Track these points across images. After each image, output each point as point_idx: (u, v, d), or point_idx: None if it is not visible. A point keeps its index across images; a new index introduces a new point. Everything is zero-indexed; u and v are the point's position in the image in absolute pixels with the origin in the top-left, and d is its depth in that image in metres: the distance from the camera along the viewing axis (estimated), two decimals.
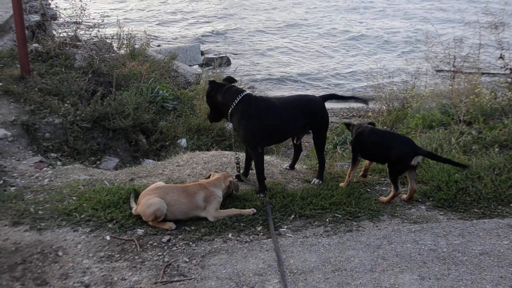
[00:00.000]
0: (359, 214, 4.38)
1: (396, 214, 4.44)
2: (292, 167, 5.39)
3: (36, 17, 9.21)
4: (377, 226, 4.19)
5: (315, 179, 5.05)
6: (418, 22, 23.44)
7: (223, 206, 4.35)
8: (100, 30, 8.72)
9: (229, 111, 4.56)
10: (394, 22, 23.92)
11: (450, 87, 8.30)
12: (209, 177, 4.47)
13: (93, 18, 8.76)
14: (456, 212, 4.49)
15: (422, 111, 7.61)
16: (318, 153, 5.08)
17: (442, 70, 9.80)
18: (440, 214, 4.46)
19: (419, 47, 17.21)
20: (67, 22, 8.27)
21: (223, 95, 4.56)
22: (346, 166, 5.68)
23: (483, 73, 9.49)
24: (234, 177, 4.89)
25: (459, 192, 4.75)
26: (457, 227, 4.15)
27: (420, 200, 4.75)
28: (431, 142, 6.01)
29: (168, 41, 19.26)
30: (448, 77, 8.94)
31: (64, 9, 8.80)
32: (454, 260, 3.62)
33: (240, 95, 4.54)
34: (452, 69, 8.81)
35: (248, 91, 4.70)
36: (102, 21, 8.78)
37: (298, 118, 4.78)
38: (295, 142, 5.22)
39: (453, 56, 8.83)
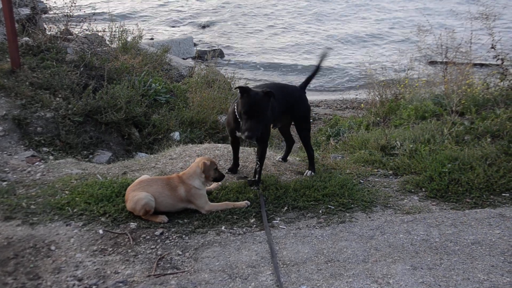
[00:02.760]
0: (352, 206, 4.39)
1: (388, 205, 4.46)
2: (284, 159, 5.38)
3: (26, 11, 9.11)
4: (370, 217, 4.21)
5: (307, 171, 5.05)
6: (410, 13, 23.42)
7: (216, 198, 4.34)
8: (91, 23, 8.63)
9: None
10: (385, 13, 23.89)
11: (443, 77, 8.32)
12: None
13: (84, 11, 8.68)
14: (448, 203, 4.52)
15: (415, 102, 7.63)
16: (304, 144, 5.07)
17: (435, 62, 9.81)
18: (433, 205, 4.48)
19: (411, 38, 17.22)
20: (58, 15, 8.18)
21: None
22: (340, 157, 5.70)
23: (475, 64, 9.52)
24: (227, 170, 4.88)
25: (452, 182, 4.77)
26: (449, 217, 4.17)
27: (412, 190, 4.77)
28: (423, 133, 6.03)
29: (161, 33, 19.18)
30: (440, 68, 8.95)
31: (55, 2, 8.71)
32: (446, 250, 3.64)
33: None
34: (445, 60, 8.82)
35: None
36: (93, 14, 8.69)
37: (274, 107, 4.59)
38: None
39: (445, 47, 8.84)
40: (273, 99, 4.33)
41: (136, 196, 3.97)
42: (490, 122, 6.12)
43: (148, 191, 4.01)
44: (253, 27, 20.39)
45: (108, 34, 9.95)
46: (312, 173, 5.01)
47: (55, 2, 8.63)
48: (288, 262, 3.48)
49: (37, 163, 5.24)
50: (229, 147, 5.24)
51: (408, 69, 10.05)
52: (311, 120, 10.87)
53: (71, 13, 8.09)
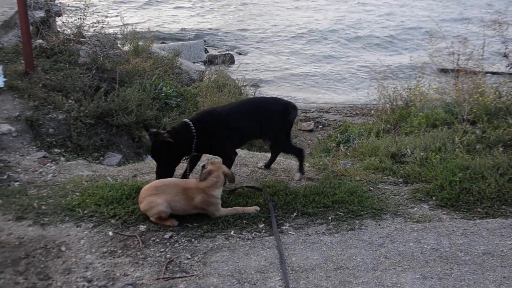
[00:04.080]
0: (362, 213, 4.37)
1: (398, 213, 4.44)
2: (268, 166, 5.31)
3: (40, 13, 9.21)
4: (379, 225, 4.19)
5: (296, 173, 5.04)
6: (421, 19, 23.34)
7: (225, 203, 4.35)
8: (104, 26, 8.71)
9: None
10: (396, 19, 23.81)
11: (454, 86, 8.28)
12: (203, 167, 4.32)
13: (97, 15, 8.76)
14: (459, 212, 4.48)
15: (425, 110, 7.59)
16: (288, 152, 5.08)
17: (446, 69, 9.77)
18: (443, 214, 4.45)
19: (424, 45, 17.17)
20: (71, 18, 8.26)
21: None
22: (349, 164, 5.68)
23: (487, 72, 9.46)
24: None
25: (463, 191, 4.73)
26: (460, 226, 4.14)
27: (423, 199, 4.74)
28: (434, 141, 6.00)
29: (172, 37, 19.28)
30: (452, 76, 8.91)
31: (68, 5, 8.80)
32: (456, 259, 3.62)
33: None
34: (456, 68, 8.78)
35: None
36: (106, 17, 8.78)
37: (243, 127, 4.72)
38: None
39: (457, 55, 8.80)
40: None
41: (153, 202, 3.98)
42: (502, 131, 6.08)
43: (164, 198, 4.00)
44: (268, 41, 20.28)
45: (120, 37, 10.05)
46: (301, 175, 5.00)
47: (68, 5, 8.72)
48: (297, 269, 3.48)
49: (48, 164, 5.28)
50: (238, 151, 5.22)
51: (419, 77, 10.01)
52: (320, 126, 10.96)
53: (84, 16, 8.17)
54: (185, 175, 4.73)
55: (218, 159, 4.75)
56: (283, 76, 15.97)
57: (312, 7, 26.71)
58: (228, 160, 4.60)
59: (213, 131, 4.42)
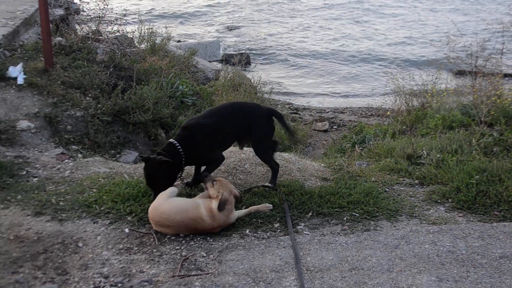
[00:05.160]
0: (377, 214, 4.36)
1: (414, 215, 4.41)
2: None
3: (60, 11, 9.33)
4: (395, 226, 4.17)
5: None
6: (438, 20, 23.07)
7: (240, 201, 4.36)
8: (121, 24, 8.79)
9: None
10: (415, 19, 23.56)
11: (472, 87, 8.20)
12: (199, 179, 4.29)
13: (116, 13, 8.84)
14: (475, 214, 4.44)
15: (442, 111, 7.53)
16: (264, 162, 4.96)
17: (463, 71, 9.68)
18: (459, 216, 4.42)
19: (440, 46, 16.99)
20: (90, 16, 8.36)
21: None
22: (365, 165, 5.67)
23: (505, 75, 9.35)
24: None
25: (479, 194, 4.69)
26: (476, 229, 4.10)
27: (439, 201, 4.71)
28: (451, 142, 5.95)
29: (189, 36, 19.37)
30: (469, 77, 8.82)
31: (87, 3, 8.90)
32: (473, 262, 3.59)
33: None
34: (474, 69, 8.69)
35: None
36: (124, 15, 8.85)
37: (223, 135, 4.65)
38: None
39: (475, 57, 8.72)
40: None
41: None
42: None
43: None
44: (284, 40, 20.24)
45: (137, 35, 10.12)
46: (272, 185, 4.78)
47: (88, 3, 8.82)
48: (312, 269, 3.48)
49: (66, 160, 5.36)
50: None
51: (436, 78, 9.93)
52: (335, 127, 10.92)
53: (103, 14, 8.25)
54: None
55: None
56: (299, 74, 15.99)
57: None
58: (215, 163, 4.57)
59: (198, 143, 4.40)
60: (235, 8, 24.81)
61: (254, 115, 4.69)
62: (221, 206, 3.84)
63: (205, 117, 4.58)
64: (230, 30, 21.00)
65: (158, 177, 4.19)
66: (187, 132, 4.43)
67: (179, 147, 4.29)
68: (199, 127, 4.44)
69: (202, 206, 3.89)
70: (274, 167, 4.81)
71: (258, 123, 4.68)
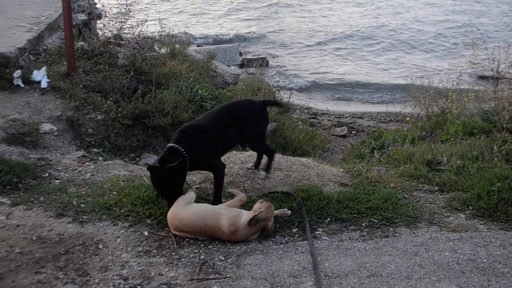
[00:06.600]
0: (396, 220, 4.33)
1: (434, 222, 4.37)
2: (257, 166, 5.24)
3: (83, 16, 9.49)
4: (414, 233, 4.13)
5: (261, 171, 5.02)
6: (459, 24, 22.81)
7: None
8: (142, 29, 8.90)
9: None
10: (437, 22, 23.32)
11: (493, 93, 8.09)
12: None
13: (137, 18, 8.95)
14: (497, 222, 4.38)
15: (462, 117, 7.44)
16: (263, 153, 5.07)
17: (485, 76, 9.55)
18: (480, 224, 4.36)
19: (462, 50, 16.80)
20: (112, 21, 8.47)
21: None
22: (384, 171, 5.63)
23: None
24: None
25: (501, 201, 4.61)
26: (498, 237, 4.04)
27: (459, 208, 4.65)
28: (472, 149, 5.87)
29: (208, 40, 19.52)
30: (491, 83, 8.71)
31: (110, 8, 9.03)
32: (494, 271, 3.53)
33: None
34: (496, 75, 8.57)
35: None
36: (146, 20, 8.96)
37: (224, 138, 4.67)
38: None
39: (497, 62, 8.60)
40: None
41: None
42: None
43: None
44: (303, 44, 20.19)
45: (157, 40, 10.23)
46: (266, 174, 4.99)
47: (110, 9, 8.95)
48: (330, 274, 3.47)
49: (87, 163, 5.44)
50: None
51: (457, 83, 9.82)
52: (353, 132, 10.88)
53: (124, 20, 8.36)
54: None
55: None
56: (318, 79, 15.96)
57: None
58: (219, 174, 4.46)
59: (198, 146, 4.36)
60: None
61: (249, 112, 4.77)
62: (252, 221, 3.83)
63: (202, 119, 4.61)
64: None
65: (171, 185, 4.13)
66: (187, 135, 4.40)
67: (182, 150, 4.23)
68: (198, 129, 4.46)
69: (224, 217, 3.88)
70: (271, 155, 4.98)
71: (254, 119, 4.79)
